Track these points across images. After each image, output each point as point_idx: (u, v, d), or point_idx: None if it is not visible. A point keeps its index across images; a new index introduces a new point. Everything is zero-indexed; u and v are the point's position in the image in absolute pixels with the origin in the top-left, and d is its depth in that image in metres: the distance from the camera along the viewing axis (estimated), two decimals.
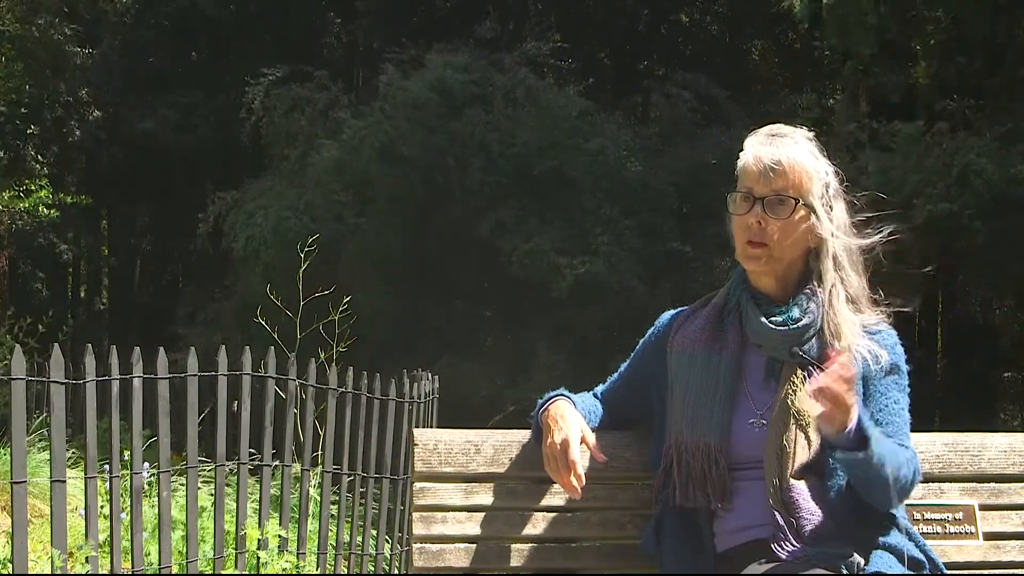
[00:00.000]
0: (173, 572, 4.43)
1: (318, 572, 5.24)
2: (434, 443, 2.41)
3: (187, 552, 4.57)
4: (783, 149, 2.29)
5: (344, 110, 15.67)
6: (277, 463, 5.12)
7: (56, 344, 4.03)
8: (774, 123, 2.38)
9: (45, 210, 15.03)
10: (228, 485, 5.28)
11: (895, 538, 2.22)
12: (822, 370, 2.25)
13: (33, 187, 14.96)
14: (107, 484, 4.31)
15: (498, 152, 14.40)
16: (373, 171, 14.66)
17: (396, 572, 6.04)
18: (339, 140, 15.15)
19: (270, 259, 14.18)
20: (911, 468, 2.20)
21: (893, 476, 2.14)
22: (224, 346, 4.85)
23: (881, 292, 2.37)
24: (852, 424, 2.06)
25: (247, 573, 4.78)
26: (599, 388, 2.53)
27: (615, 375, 2.51)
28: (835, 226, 2.30)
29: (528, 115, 14.74)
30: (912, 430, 2.31)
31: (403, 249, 14.73)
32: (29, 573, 3.74)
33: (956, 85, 14.33)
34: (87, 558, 4.04)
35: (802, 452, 2.21)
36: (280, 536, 4.94)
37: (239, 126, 16.67)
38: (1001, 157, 12.11)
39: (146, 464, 4.82)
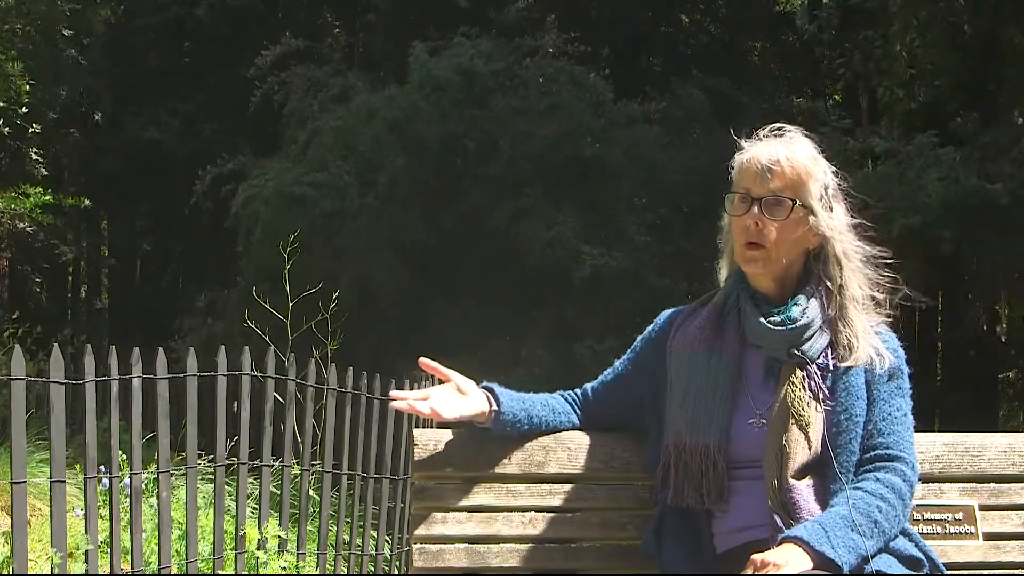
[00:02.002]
0: (172, 572, 4.43)
1: (318, 572, 5.24)
2: (434, 443, 2.41)
3: (186, 552, 4.57)
4: (781, 150, 2.28)
5: (355, 96, 15.40)
6: (277, 463, 5.12)
7: (56, 344, 4.03)
8: (775, 124, 2.37)
9: (44, 212, 14.99)
10: (228, 485, 5.28)
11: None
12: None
13: (32, 189, 14.92)
14: (105, 484, 4.31)
15: (522, 138, 14.23)
16: (382, 147, 14.39)
17: (396, 572, 6.04)
18: (349, 110, 14.88)
19: (269, 218, 13.89)
20: (898, 503, 2.18)
21: (889, 533, 2.15)
22: (223, 346, 4.85)
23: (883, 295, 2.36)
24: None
25: (247, 573, 4.78)
26: (590, 384, 2.51)
27: (609, 370, 2.50)
28: (835, 227, 2.29)
29: (546, 104, 14.59)
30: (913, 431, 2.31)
31: (410, 236, 14.51)
32: (29, 573, 3.74)
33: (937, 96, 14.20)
34: (87, 558, 4.03)
35: (802, 453, 2.21)
36: (279, 536, 4.94)
37: (244, 113, 16.51)
38: (986, 166, 11.99)
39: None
